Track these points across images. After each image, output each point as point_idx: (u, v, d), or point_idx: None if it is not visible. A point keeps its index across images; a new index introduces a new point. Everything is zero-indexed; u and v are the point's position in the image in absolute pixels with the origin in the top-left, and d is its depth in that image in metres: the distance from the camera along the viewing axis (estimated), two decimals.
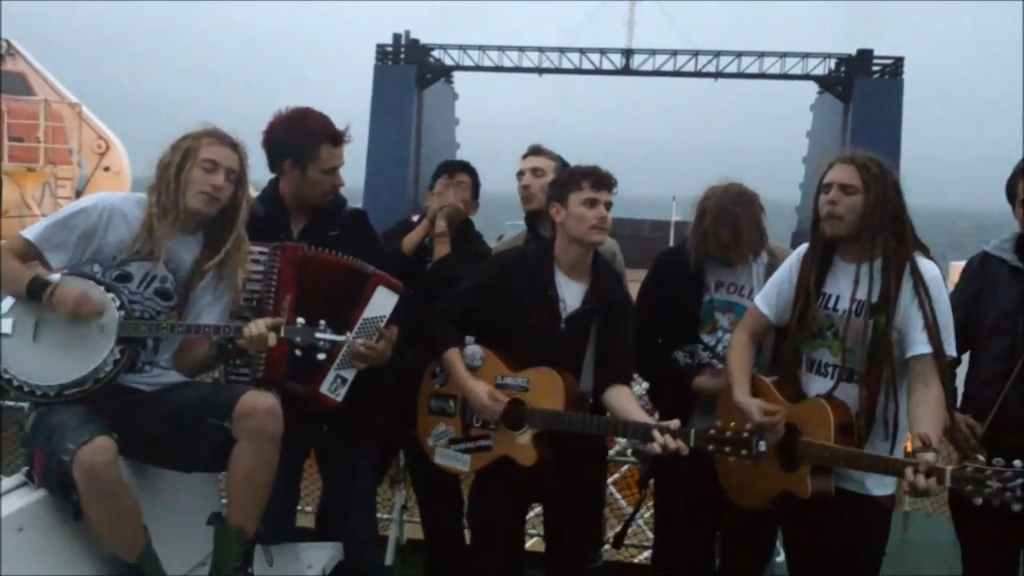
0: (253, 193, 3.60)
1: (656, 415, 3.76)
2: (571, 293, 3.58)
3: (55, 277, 3.12)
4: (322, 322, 3.15)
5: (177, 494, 3.30)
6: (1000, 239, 3.58)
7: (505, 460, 3.52)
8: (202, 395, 3.16)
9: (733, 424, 3.15)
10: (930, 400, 3.02)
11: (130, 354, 3.09)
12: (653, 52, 43.13)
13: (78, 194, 16.68)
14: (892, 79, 39.75)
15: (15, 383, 3.04)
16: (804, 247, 3.38)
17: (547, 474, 3.52)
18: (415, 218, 4.31)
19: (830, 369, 3.27)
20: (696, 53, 42.78)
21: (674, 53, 42.77)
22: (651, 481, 3.93)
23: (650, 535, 4.63)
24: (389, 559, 5.10)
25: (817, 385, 3.28)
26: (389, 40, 41.79)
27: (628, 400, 3.47)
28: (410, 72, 41.11)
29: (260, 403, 3.02)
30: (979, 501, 2.66)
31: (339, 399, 3.48)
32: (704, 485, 3.53)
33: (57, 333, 3.07)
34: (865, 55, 40.26)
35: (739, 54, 42.35)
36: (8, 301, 3.12)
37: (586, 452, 3.61)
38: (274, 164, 3.63)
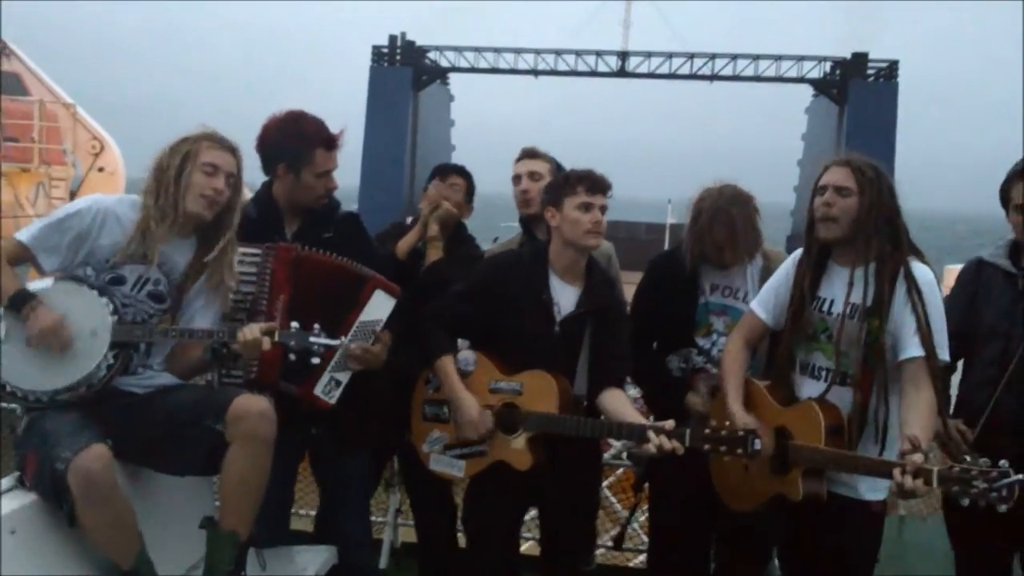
0: (248, 194, 3.59)
1: (651, 418, 3.76)
2: (565, 296, 3.58)
3: (46, 284, 3.11)
4: (316, 326, 3.14)
5: (170, 497, 3.29)
6: (995, 245, 3.59)
7: (500, 464, 3.51)
8: (195, 398, 3.15)
9: (728, 423, 3.15)
10: (921, 404, 3.02)
11: (123, 358, 3.09)
12: (649, 55, 43.20)
13: (72, 195, 16.65)
14: (887, 82, 39.88)
15: (8, 388, 3.03)
16: (799, 252, 3.39)
17: (542, 478, 3.51)
18: (409, 220, 4.31)
19: (824, 372, 3.27)
20: (692, 56, 42.88)
21: (670, 56, 42.87)
22: (646, 484, 3.93)
23: (645, 538, 4.62)
24: (383, 562, 5.09)
25: (810, 388, 3.29)
26: (385, 42, 41.79)
27: (623, 402, 3.47)
28: (406, 74, 41.12)
29: (253, 406, 3.01)
30: (966, 502, 2.67)
31: (333, 401, 3.47)
32: (699, 488, 3.53)
33: None
34: (860, 58, 40.38)
35: (734, 57, 42.46)
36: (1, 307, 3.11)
37: (581, 456, 3.60)
38: (268, 167, 3.62)
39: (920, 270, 3.16)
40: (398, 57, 41.58)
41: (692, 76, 43.08)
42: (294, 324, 3.13)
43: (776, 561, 3.98)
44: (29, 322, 2.99)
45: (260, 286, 3.43)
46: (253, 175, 3.54)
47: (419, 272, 4.02)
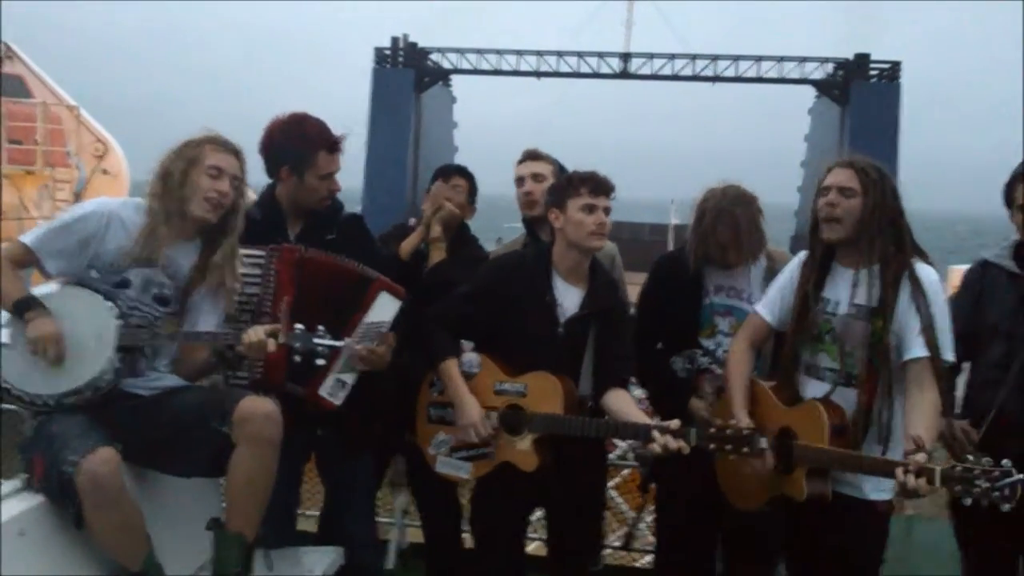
0: (252, 196, 3.60)
1: (656, 419, 3.77)
2: (569, 298, 3.58)
3: (50, 289, 3.12)
4: (320, 328, 3.15)
5: (177, 499, 3.29)
6: (1000, 246, 3.59)
7: (506, 466, 3.51)
8: (201, 400, 3.15)
9: (733, 421, 3.16)
10: (925, 404, 3.02)
11: (129, 361, 3.10)
12: (651, 56, 43.22)
13: (76, 197, 16.64)
14: (889, 83, 39.88)
15: (14, 392, 3.03)
16: (804, 253, 3.39)
17: (548, 479, 3.52)
18: (412, 221, 4.31)
19: (828, 373, 3.27)
20: (694, 57, 42.88)
21: (671, 57, 42.88)
22: (652, 485, 3.93)
23: (652, 539, 4.63)
24: (390, 563, 5.09)
25: (815, 389, 3.29)
26: (387, 43, 41.84)
27: (627, 403, 3.47)
28: (408, 75, 41.17)
29: (259, 408, 3.01)
30: (968, 501, 2.67)
31: (338, 403, 3.47)
32: (705, 488, 3.53)
33: None
34: (862, 59, 40.40)
35: (736, 58, 42.47)
36: (7, 312, 3.12)
37: (586, 456, 3.61)
38: (271, 170, 3.63)
39: (924, 271, 3.17)
40: (400, 59, 41.62)
41: (695, 77, 43.09)
42: (298, 326, 3.14)
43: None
44: (28, 329, 3.00)
45: (264, 288, 3.44)
46: (256, 177, 3.55)
47: (422, 273, 4.03)
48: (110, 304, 3.07)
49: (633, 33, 49.61)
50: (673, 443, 3.13)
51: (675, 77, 43.33)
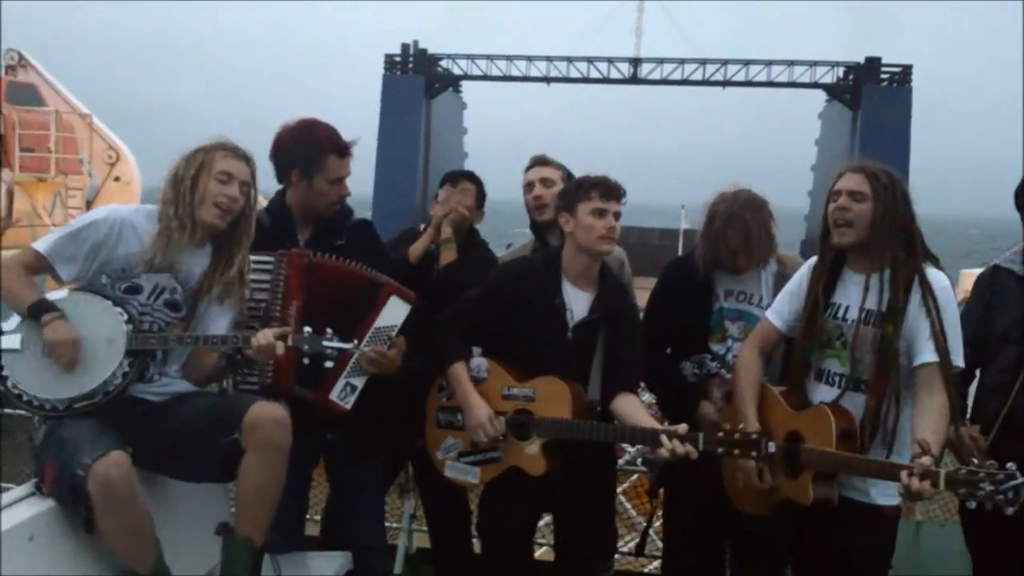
0: (263, 202, 3.61)
1: (665, 423, 3.76)
2: (578, 302, 3.59)
3: (61, 294, 3.13)
4: (329, 330, 3.16)
5: (186, 504, 3.30)
6: (1012, 251, 3.58)
7: (515, 470, 3.51)
8: (211, 405, 3.16)
9: (741, 426, 3.15)
10: (934, 409, 3.02)
11: (139, 366, 3.10)
12: (661, 61, 43.20)
13: (88, 204, 16.72)
14: (900, 87, 39.75)
15: (24, 397, 3.04)
16: (814, 259, 3.39)
17: (556, 483, 3.52)
18: (422, 227, 4.32)
19: (838, 378, 3.27)
20: (704, 62, 42.84)
21: (682, 62, 42.84)
22: (661, 490, 3.93)
23: (660, 544, 4.62)
24: (398, 568, 5.10)
25: (824, 394, 3.28)
26: (398, 50, 41.93)
27: (636, 408, 3.47)
28: (418, 82, 41.24)
29: (269, 414, 3.02)
30: (973, 504, 2.68)
31: (348, 406, 3.48)
32: (713, 493, 3.52)
33: None
34: (873, 63, 40.28)
35: (747, 62, 42.41)
36: (17, 317, 3.14)
37: (595, 461, 3.61)
38: (281, 174, 3.64)
39: (935, 276, 3.16)
40: (411, 65, 41.71)
41: (705, 82, 43.04)
42: (307, 329, 3.15)
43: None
44: (46, 331, 3.01)
45: (273, 293, 3.45)
46: (267, 184, 3.57)
47: (432, 276, 4.03)
48: (120, 309, 3.09)
49: (643, 38, 49.69)
50: (681, 448, 3.13)
51: (685, 82, 43.29)
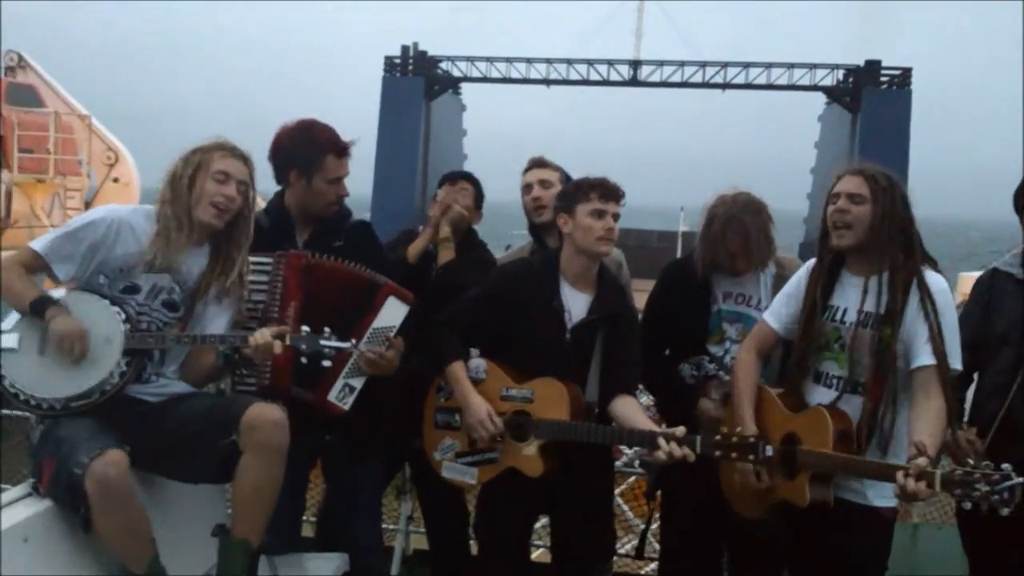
0: (262, 203, 3.61)
1: (663, 426, 3.76)
2: (576, 303, 3.59)
3: (61, 293, 3.13)
4: (327, 329, 3.16)
5: (183, 505, 3.30)
6: (1011, 253, 3.59)
7: (512, 472, 3.51)
8: (209, 407, 3.16)
9: (739, 429, 3.15)
10: (931, 412, 3.02)
11: (136, 366, 3.10)
12: (661, 63, 43.17)
13: (87, 205, 16.73)
14: (900, 90, 39.73)
15: (22, 396, 3.04)
16: (812, 261, 3.39)
17: (554, 485, 3.51)
18: (420, 229, 4.32)
19: (836, 381, 3.27)
20: (704, 64, 42.82)
21: (681, 64, 42.81)
22: (658, 492, 3.93)
23: (657, 546, 4.61)
24: (395, 569, 5.08)
25: (822, 397, 3.28)
26: (397, 52, 41.92)
27: (634, 410, 3.47)
28: (418, 84, 41.21)
29: (267, 415, 3.02)
30: (968, 505, 2.69)
31: (346, 407, 3.48)
32: (710, 495, 3.52)
33: None
34: (873, 66, 40.27)
35: (747, 65, 42.38)
36: (14, 316, 3.13)
37: (592, 463, 3.61)
38: (280, 175, 3.65)
39: (934, 279, 3.16)
40: (410, 67, 41.69)
41: (705, 84, 43.01)
42: (304, 328, 3.15)
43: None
44: (51, 325, 3.01)
45: (271, 294, 3.45)
46: (265, 185, 3.57)
47: (430, 276, 4.03)
48: (117, 308, 3.08)
49: (643, 40, 49.69)
50: (678, 451, 3.13)
51: (685, 84, 43.26)
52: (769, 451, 3.09)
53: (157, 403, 3.17)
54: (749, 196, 3.68)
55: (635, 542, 5.39)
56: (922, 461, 2.80)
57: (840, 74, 41.44)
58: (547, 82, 43.61)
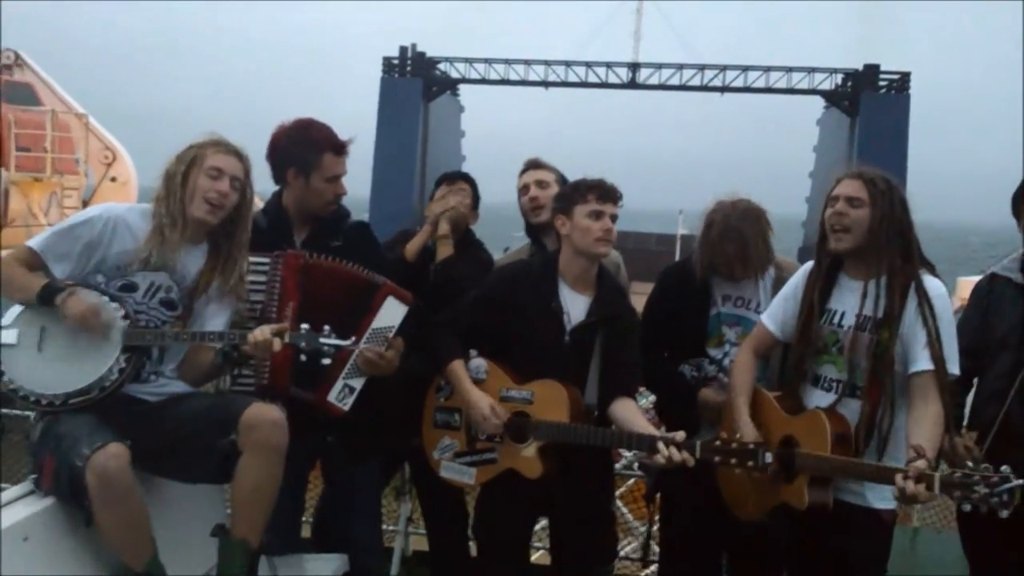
0: (259, 204, 3.61)
1: (663, 429, 3.76)
2: (576, 305, 3.59)
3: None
4: (326, 328, 3.15)
5: (182, 505, 3.30)
6: (1009, 258, 3.59)
7: (511, 473, 3.51)
8: (208, 406, 3.16)
9: (739, 435, 3.15)
10: (929, 416, 3.03)
11: (135, 363, 3.10)
12: (659, 66, 43.17)
13: (84, 204, 16.72)
14: (899, 94, 39.77)
15: (21, 392, 3.05)
16: (810, 264, 3.39)
17: (553, 487, 3.51)
18: (417, 229, 4.32)
19: (834, 384, 3.27)
20: (702, 67, 42.83)
21: (680, 67, 42.81)
22: (657, 495, 3.92)
23: (657, 549, 4.61)
24: (394, 570, 5.08)
25: (820, 400, 3.28)
26: (395, 53, 41.91)
27: (634, 412, 3.47)
28: (416, 85, 41.19)
29: (266, 415, 3.02)
30: (967, 507, 2.69)
31: (346, 408, 3.48)
32: (709, 498, 3.52)
33: (62, 343, 3.08)
34: (871, 70, 40.30)
35: (745, 68, 42.39)
36: (13, 312, 3.13)
37: (592, 465, 3.60)
38: (278, 174, 3.65)
39: (932, 283, 3.16)
40: (408, 68, 41.69)
41: (703, 87, 43.00)
42: (304, 325, 3.14)
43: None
44: (67, 308, 3.01)
45: (269, 294, 3.45)
46: (263, 185, 3.57)
47: (429, 274, 4.03)
48: (116, 305, 3.08)
49: (641, 43, 49.71)
50: (678, 455, 3.13)
51: (683, 87, 43.25)
52: (769, 458, 3.10)
53: (156, 403, 3.17)
54: (748, 203, 3.68)
55: (634, 544, 5.39)
56: (921, 464, 2.80)
57: (839, 78, 41.48)
58: (545, 84, 43.60)
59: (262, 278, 3.46)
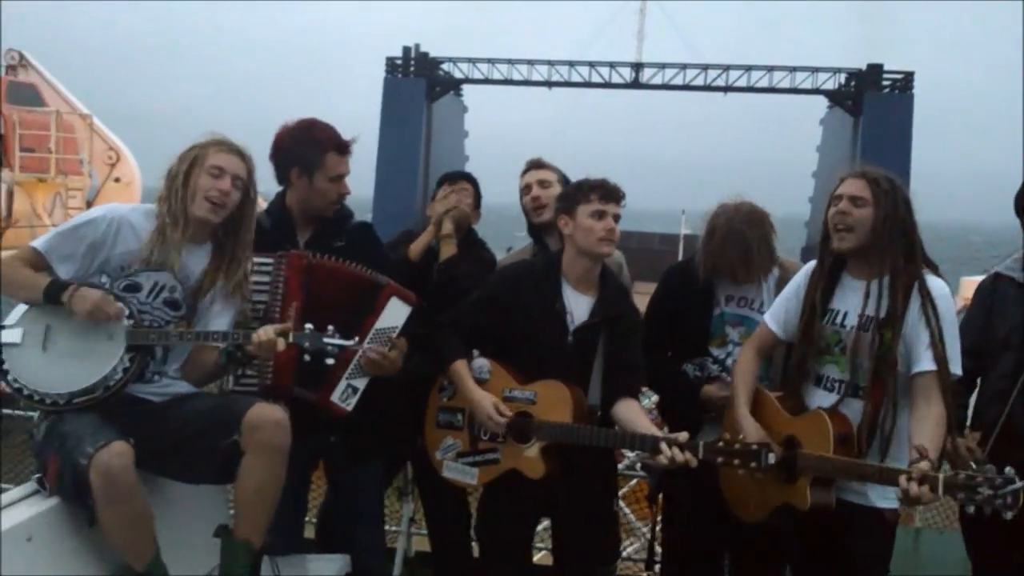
0: (263, 204, 3.61)
1: (665, 429, 3.76)
2: (579, 306, 3.58)
3: None
4: (330, 327, 3.14)
5: (185, 506, 3.30)
6: (1012, 258, 3.59)
7: (513, 473, 3.51)
8: (211, 406, 3.16)
9: (741, 436, 3.15)
10: (931, 417, 3.02)
11: (139, 363, 3.10)
12: (663, 66, 43.18)
13: (88, 204, 16.73)
14: (902, 93, 39.75)
15: (25, 392, 3.05)
16: (812, 264, 3.38)
17: (556, 487, 3.51)
18: (420, 230, 4.32)
19: (837, 384, 3.27)
20: (706, 67, 42.83)
21: (684, 67, 42.82)
22: (660, 496, 3.92)
23: (659, 549, 4.61)
24: (397, 571, 5.08)
25: (822, 400, 3.28)
26: (399, 53, 41.92)
27: (637, 413, 3.46)
28: (419, 85, 41.21)
29: (269, 416, 3.02)
30: (971, 509, 2.69)
31: (349, 408, 3.47)
32: (712, 499, 3.52)
33: (66, 342, 3.08)
34: (875, 69, 40.27)
35: (748, 68, 42.38)
36: (18, 311, 3.14)
37: (595, 465, 3.60)
38: (281, 174, 3.65)
39: (935, 283, 3.16)
40: (412, 69, 41.70)
41: (706, 87, 43.00)
42: (308, 325, 3.14)
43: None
44: (75, 304, 3.01)
45: (273, 294, 3.45)
46: (266, 186, 3.57)
47: (432, 274, 4.03)
48: (120, 304, 3.08)
49: (645, 43, 49.68)
50: (680, 456, 3.13)
51: (687, 87, 43.25)
52: (772, 459, 3.09)
53: (159, 403, 3.17)
54: (751, 207, 3.68)
55: (636, 545, 5.39)
56: (924, 465, 2.80)
57: (842, 78, 41.46)
58: (549, 84, 43.62)
59: (265, 278, 3.45)
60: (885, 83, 40.20)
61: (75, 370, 3.04)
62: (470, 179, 4.34)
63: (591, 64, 43.40)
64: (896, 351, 3.12)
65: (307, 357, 3.14)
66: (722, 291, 3.76)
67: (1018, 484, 2.62)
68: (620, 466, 5.01)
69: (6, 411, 5.12)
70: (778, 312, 3.45)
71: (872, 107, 38.95)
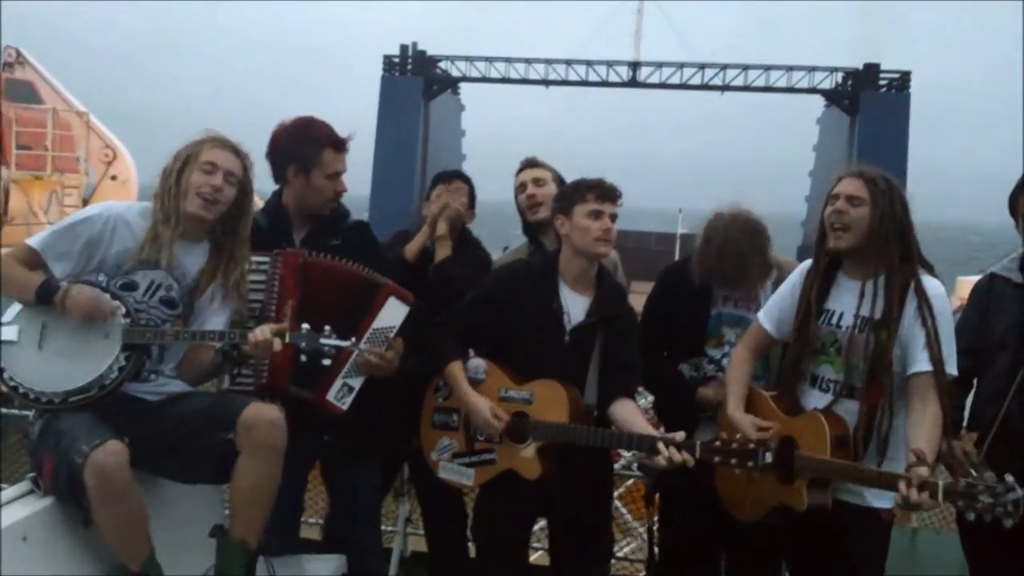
0: (259, 203, 3.60)
1: (661, 429, 3.75)
2: (575, 306, 3.58)
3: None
4: (327, 328, 3.14)
5: (180, 506, 3.29)
6: (1008, 258, 3.58)
7: (510, 474, 3.51)
8: (207, 406, 3.15)
9: (739, 436, 3.15)
10: (928, 418, 3.02)
11: (135, 361, 3.10)
12: (660, 65, 43.16)
13: (85, 202, 16.71)
14: (899, 93, 39.75)
15: (20, 390, 3.04)
16: (808, 263, 3.38)
17: (552, 487, 3.50)
18: (416, 230, 4.31)
19: (831, 385, 3.27)
20: (703, 66, 42.81)
21: (680, 66, 42.79)
22: (656, 495, 3.92)
23: (656, 550, 4.61)
24: (393, 571, 5.08)
25: (817, 400, 3.28)
26: (396, 51, 41.88)
27: (633, 413, 3.46)
28: (417, 83, 41.16)
29: (264, 415, 3.01)
30: (971, 516, 2.68)
31: (345, 407, 3.47)
32: (709, 499, 3.51)
33: (62, 340, 3.08)
34: (871, 69, 40.28)
35: (745, 67, 42.36)
36: (13, 309, 3.13)
37: (591, 466, 3.59)
38: (278, 172, 3.64)
39: (931, 284, 3.16)
40: (409, 67, 41.66)
41: (703, 86, 42.98)
42: (304, 325, 3.13)
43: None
44: (68, 305, 3.01)
45: (269, 293, 3.44)
46: (263, 185, 3.56)
47: (428, 273, 4.03)
48: (116, 303, 3.08)
49: (642, 42, 49.66)
50: (678, 456, 3.13)
51: (684, 86, 43.23)
52: (769, 458, 3.09)
53: (155, 402, 3.17)
54: (747, 216, 3.66)
55: (633, 545, 5.38)
56: (923, 471, 2.79)
57: (839, 77, 41.46)
58: (546, 83, 43.58)
59: (261, 277, 3.45)
60: (882, 82, 40.20)
61: (71, 369, 3.03)
62: (464, 178, 4.34)
63: (588, 63, 43.36)
64: (892, 352, 3.12)
65: (303, 357, 3.14)
66: (719, 291, 3.75)
67: (1019, 493, 2.61)
68: (616, 466, 5.01)
69: (2, 410, 5.12)
70: (772, 311, 3.45)
71: (868, 106, 38.95)
